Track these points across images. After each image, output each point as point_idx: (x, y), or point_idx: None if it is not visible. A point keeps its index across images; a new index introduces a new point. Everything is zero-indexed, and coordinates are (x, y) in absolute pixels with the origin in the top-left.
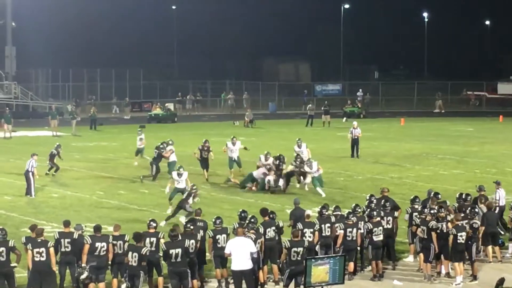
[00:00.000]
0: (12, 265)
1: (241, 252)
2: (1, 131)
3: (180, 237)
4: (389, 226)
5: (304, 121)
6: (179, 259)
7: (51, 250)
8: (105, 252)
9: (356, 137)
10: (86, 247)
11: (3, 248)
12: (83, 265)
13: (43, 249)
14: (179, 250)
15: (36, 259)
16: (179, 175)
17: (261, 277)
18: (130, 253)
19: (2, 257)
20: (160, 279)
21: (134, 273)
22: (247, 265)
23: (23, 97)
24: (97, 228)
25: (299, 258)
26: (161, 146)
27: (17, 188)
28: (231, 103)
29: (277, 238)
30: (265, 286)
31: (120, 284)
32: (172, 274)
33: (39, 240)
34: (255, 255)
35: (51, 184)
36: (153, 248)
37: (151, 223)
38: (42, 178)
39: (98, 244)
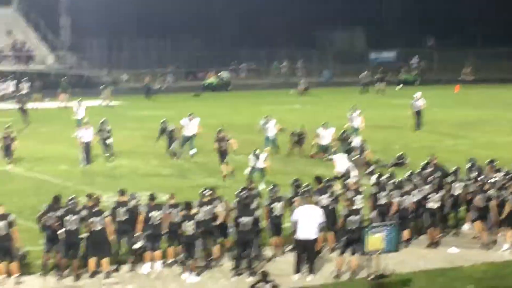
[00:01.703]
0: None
1: (308, 220)
2: (57, 101)
3: (251, 205)
4: (442, 194)
5: (359, 89)
6: (247, 228)
7: (108, 219)
8: (160, 221)
9: (419, 108)
10: (142, 216)
11: (75, 217)
12: (138, 233)
13: (101, 217)
14: (249, 219)
15: (95, 227)
16: (256, 156)
17: (319, 245)
18: (185, 221)
19: (72, 225)
20: (216, 248)
21: (189, 242)
22: (312, 234)
23: (78, 66)
24: (153, 197)
25: (355, 226)
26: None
27: (72, 158)
28: (286, 72)
29: (331, 206)
30: (321, 253)
31: (176, 253)
32: (239, 243)
33: (97, 209)
34: (322, 224)
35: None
36: (208, 217)
37: (206, 191)
38: (97, 148)
39: (153, 213)
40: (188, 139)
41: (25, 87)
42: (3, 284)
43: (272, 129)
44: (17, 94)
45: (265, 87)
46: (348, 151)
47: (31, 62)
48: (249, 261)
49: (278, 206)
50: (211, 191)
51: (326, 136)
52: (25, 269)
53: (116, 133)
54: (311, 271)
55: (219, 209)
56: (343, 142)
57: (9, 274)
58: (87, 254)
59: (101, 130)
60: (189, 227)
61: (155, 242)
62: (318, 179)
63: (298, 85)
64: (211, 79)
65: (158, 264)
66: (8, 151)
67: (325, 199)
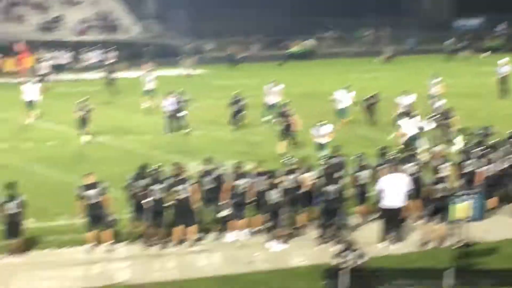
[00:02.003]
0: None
1: (394, 189)
2: (141, 70)
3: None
4: None
5: (444, 56)
6: (334, 196)
7: (193, 187)
8: (245, 189)
9: (504, 75)
10: (227, 184)
11: (159, 186)
12: (223, 202)
13: (187, 186)
14: (335, 187)
15: (181, 196)
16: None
17: (404, 213)
18: (270, 190)
19: (157, 194)
20: (302, 217)
21: (275, 210)
22: (398, 202)
23: (164, 35)
24: (238, 166)
25: (441, 195)
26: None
27: (157, 127)
28: (370, 39)
29: (418, 174)
30: (406, 222)
31: (262, 222)
32: (325, 211)
33: (184, 177)
34: (407, 193)
35: (192, 122)
36: (293, 185)
37: (291, 159)
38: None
39: (239, 182)
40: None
41: (111, 57)
42: (91, 251)
43: (347, 100)
44: (104, 64)
45: (350, 55)
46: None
47: (117, 32)
48: (335, 229)
49: (364, 174)
50: (296, 160)
51: (405, 103)
52: (114, 237)
53: (200, 102)
54: (397, 239)
55: (304, 177)
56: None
57: (99, 241)
58: (172, 223)
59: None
60: (274, 196)
61: (240, 210)
62: (404, 147)
63: (382, 53)
64: (296, 48)
65: (243, 233)
66: (84, 123)
67: (410, 167)
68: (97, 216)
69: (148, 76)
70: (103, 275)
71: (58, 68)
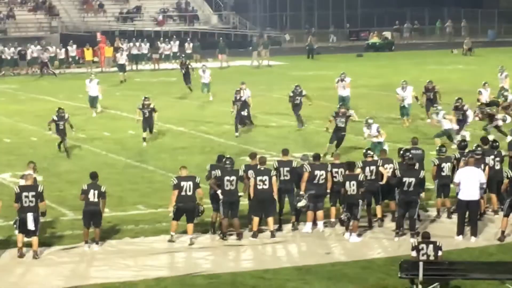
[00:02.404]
0: (240, 194)
1: (471, 181)
2: (217, 61)
3: (416, 166)
4: None
5: None
6: (411, 188)
7: (274, 178)
8: (324, 180)
9: None
10: (306, 175)
11: (233, 177)
12: (301, 192)
13: (266, 177)
14: (412, 179)
15: (259, 187)
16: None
17: (482, 207)
18: (347, 182)
19: (232, 185)
20: (378, 208)
21: (352, 202)
22: (475, 195)
23: (241, 26)
24: (317, 157)
25: None
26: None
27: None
28: (449, 31)
29: (497, 167)
30: (484, 215)
31: (339, 213)
32: (402, 203)
33: (262, 168)
34: (484, 186)
35: (268, 113)
36: (372, 177)
37: (369, 151)
38: (259, 107)
39: (317, 172)
40: (343, 99)
41: (189, 47)
42: (172, 241)
43: (409, 97)
44: (181, 55)
45: (429, 47)
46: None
47: (195, 22)
48: (412, 221)
49: (446, 166)
50: (372, 152)
51: (485, 95)
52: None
53: (277, 93)
54: (474, 233)
55: (382, 169)
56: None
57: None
58: (252, 213)
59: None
60: (352, 187)
61: (318, 202)
62: (484, 140)
63: (462, 45)
64: (374, 39)
65: (321, 224)
66: (146, 123)
67: (491, 160)
68: (189, 210)
69: (204, 69)
70: (180, 265)
71: (136, 58)
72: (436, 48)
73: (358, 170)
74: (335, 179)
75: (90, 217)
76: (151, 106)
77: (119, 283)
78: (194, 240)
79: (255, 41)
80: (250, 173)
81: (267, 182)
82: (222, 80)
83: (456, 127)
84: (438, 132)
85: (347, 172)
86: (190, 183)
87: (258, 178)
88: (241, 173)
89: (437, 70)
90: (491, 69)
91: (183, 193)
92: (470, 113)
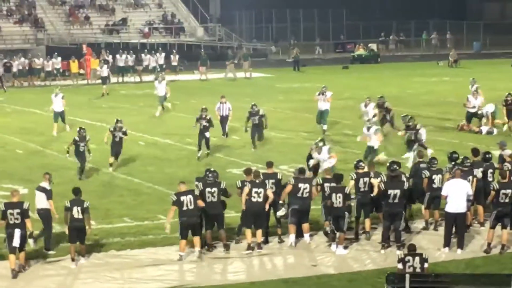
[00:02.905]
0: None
1: (458, 194)
2: (198, 74)
3: (400, 178)
4: None
5: (510, 61)
6: (396, 200)
7: (269, 192)
8: (308, 194)
9: None
10: (289, 187)
11: (215, 189)
12: (280, 202)
13: (261, 190)
14: (397, 191)
15: (254, 199)
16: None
17: (468, 219)
18: (333, 194)
19: (213, 197)
20: (367, 221)
21: (338, 214)
22: (462, 207)
23: (228, 39)
24: (301, 171)
25: (506, 200)
26: None
27: (220, 130)
28: (435, 43)
29: (490, 178)
30: (471, 227)
31: (325, 227)
32: (387, 215)
33: (258, 181)
34: (471, 198)
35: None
36: (365, 189)
37: (360, 163)
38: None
39: (301, 185)
40: (321, 113)
41: (175, 59)
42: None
43: (370, 113)
44: (166, 67)
45: (415, 59)
46: None
47: (181, 34)
48: (398, 233)
49: (437, 178)
50: (363, 164)
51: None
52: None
53: (265, 105)
54: (461, 245)
55: (374, 182)
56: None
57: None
58: (244, 225)
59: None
60: (338, 199)
61: (303, 215)
62: (475, 152)
63: (448, 57)
64: (360, 51)
65: (307, 236)
66: (114, 149)
67: (480, 172)
68: (191, 223)
69: (160, 80)
70: (166, 277)
71: (122, 70)
72: (422, 60)
73: (351, 182)
74: (323, 191)
75: (76, 233)
76: (123, 129)
77: None
78: (203, 254)
79: (230, 53)
80: (247, 185)
81: (261, 195)
82: (206, 92)
83: (377, 145)
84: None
85: (333, 184)
86: (190, 196)
87: (254, 190)
88: (238, 185)
89: (423, 82)
90: (477, 81)
91: (184, 208)
92: (423, 132)
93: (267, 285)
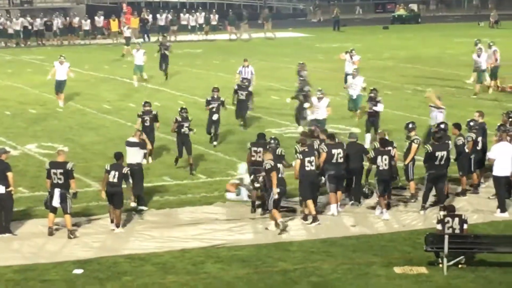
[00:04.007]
0: None
1: (505, 157)
2: (227, 33)
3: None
4: None
5: None
6: (443, 162)
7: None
8: (342, 159)
9: None
10: (323, 155)
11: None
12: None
13: (312, 157)
14: (444, 153)
15: (307, 168)
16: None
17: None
18: (379, 157)
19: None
20: (412, 184)
21: (384, 178)
22: (507, 171)
23: None
24: (331, 136)
25: None
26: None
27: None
28: (476, 4)
29: None
30: None
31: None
32: (432, 177)
33: (307, 150)
34: None
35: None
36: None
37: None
38: (283, 79)
39: (334, 151)
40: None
41: (214, 18)
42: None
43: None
44: (205, 26)
45: (455, 19)
46: None
47: None
48: (441, 195)
49: (481, 141)
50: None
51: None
52: None
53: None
54: (502, 207)
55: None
56: None
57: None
58: (303, 195)
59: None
60: (384, 162)
61: (338, 182)
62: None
63: (488, 18)
64: (401, 11)
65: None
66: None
67: None
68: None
69: (138, 48)
70: (205, 236)
71: (162, 30)
72: (463, 20)
73: (323, 155)
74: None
75: (111, 198)
76: (153, 112)
77: (144, 254)
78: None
79: (245, 14)
80: (299, 155)
81: (313, 163)
82: (246, 52)
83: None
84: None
85: (379, 148)
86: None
87: (307, 159)
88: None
89: (463, 43)
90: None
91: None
92: (380, 106)
93: (305, 245)
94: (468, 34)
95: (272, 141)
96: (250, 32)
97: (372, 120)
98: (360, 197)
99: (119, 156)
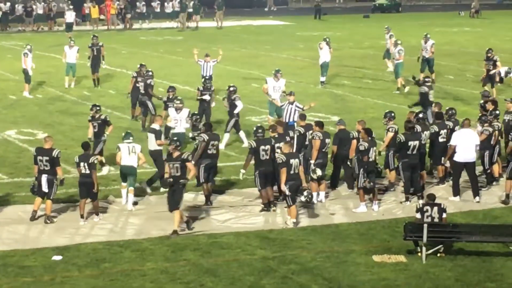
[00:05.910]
0: None
1: (466, 143)
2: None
3: (417, 129)
4: None
5: None
6: (415, 152)
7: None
8: (328, 148)
9: None
10: (317, 142)
11: (268, 146)
12: (311, 161)
13: (328, 140)
14: (416, 142)
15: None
16: None
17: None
18: (371, 148)
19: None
20: (393, 173)
21: (372, 169)
22: (471, 157)
23: None
24: (320, 124)
25: None
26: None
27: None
28: None
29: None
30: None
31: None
32: (407, 166)
33: (277, 137)
34: (478, 148)
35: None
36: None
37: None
38: (265, 67)
39: (328, 141)
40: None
41: (189, 5)
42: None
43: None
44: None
45: (436, 8)
46: None
47: None
48: (416, 184)
49: (443, 132)
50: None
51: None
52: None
53: (285, 53)
54: (476, 194)
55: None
56: None
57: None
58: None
59: None
60: (373, 153)
61: (323, 170)
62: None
63: (469, 7)
64: (382, 0)
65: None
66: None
67: (497, 123)
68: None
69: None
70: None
71: (138, 17)
72: (443, 10)
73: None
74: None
75: (84, 189)
76: (102, 117)
77: (123, 241)
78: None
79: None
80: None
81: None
82: (227, 39)
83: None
84: None
85: (370, 139)
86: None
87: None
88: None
89: (444, 32)
90: (498, 32)
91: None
92: (239, 103)
93: (285, 232)
94: (448, 24)
95: (260, 130)
96: (185, 22)
97: None
98: (353, 182)
99: (86, 146)
